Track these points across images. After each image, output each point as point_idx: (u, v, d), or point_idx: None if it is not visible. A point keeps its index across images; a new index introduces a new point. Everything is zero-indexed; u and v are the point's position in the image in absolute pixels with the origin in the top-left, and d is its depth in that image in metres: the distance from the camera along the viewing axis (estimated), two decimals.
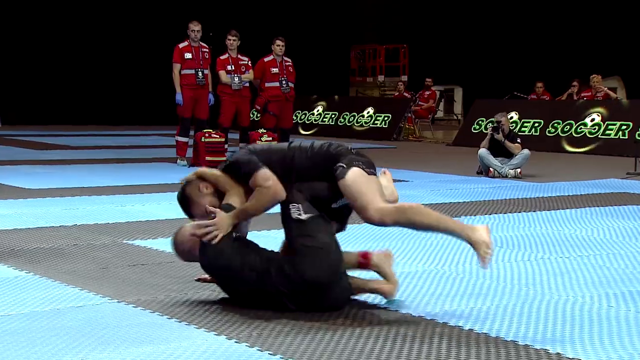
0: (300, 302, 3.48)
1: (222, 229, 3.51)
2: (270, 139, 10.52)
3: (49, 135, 15.59)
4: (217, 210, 3.55)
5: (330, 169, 3.57)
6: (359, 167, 3.55)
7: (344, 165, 3.55)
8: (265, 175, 3.53)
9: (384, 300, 3.71)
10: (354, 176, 3.51)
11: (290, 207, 3.53)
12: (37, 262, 4.49)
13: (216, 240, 3.50)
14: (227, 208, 3.58)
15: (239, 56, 10.74)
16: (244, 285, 3.55)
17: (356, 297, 3.71)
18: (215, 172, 3.69)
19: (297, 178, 3.60)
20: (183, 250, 3.68)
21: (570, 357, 3.02)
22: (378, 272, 3.73)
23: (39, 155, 11.40)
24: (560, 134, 14.09)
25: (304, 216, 3.49)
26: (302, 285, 3.43)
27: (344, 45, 23.03)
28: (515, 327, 3.38)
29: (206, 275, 3.99)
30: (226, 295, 3.77)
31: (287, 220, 3.55)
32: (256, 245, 3.64)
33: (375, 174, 3.63)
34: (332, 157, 3.61)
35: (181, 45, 10.37)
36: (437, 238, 5.44)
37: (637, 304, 3.80)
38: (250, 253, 3.53)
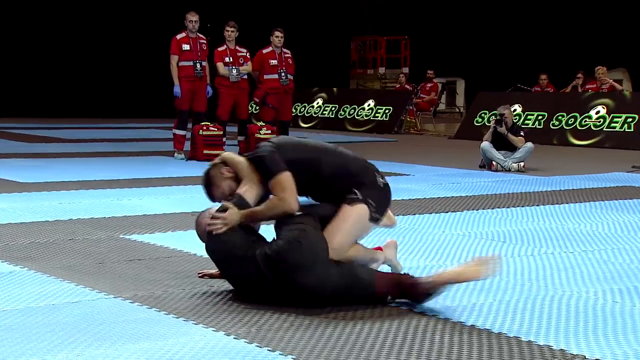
0: (279, 285, 3.50)
1: (229, 224, 3.58)
2: (269, 132, 10.51)
3: (44, 128, 15.57)
4: (231, 205, 3.61)
5: (346, 192, 3.67)
6: (369, 208, 3.66)
7: (359, 198, 3.66)
8: (284, 184, 3.59)
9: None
10: (355, 213, 3.64)
11: None
12: (32, 257, 4.49)
13: (219, 232, 3.58)
14: (239, 202, 3.62)
15: (237, 48, 10.72)
16: (242, 277, 3.59)
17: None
18: (239, 158, 3.77)
19: (317, 185, 3.69)
20: (202, 233, 3.80)
21: (575, 353, 3.03)
22: (390, 265, 3.96)
23: (34, 148, 11.40)
24: (565, 127, 14.09)
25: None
26: (278, 266, 3.47)
27: (344, 37, 23.00)
28: (519, 323, 3.38)
29: (208, 271, 4.01)
30: (224, 290, 3.78)
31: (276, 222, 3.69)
32: (256, 234, 3.70)
33: (378, 219, 3.72)
34: (354, 182, 3.69)
35: (179, 37, 10.36)
36: (438, 232, 5.45)
37: None
38: (249, 241, 3.58)
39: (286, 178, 3.59)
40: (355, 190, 3.67)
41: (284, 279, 3.49)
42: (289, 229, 3.55)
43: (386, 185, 3.80)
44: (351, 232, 3.65)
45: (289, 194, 3.58)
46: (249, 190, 3.67)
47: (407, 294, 3.58)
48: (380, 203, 3.72)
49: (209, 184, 3.80)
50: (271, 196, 3.64)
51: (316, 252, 3.51)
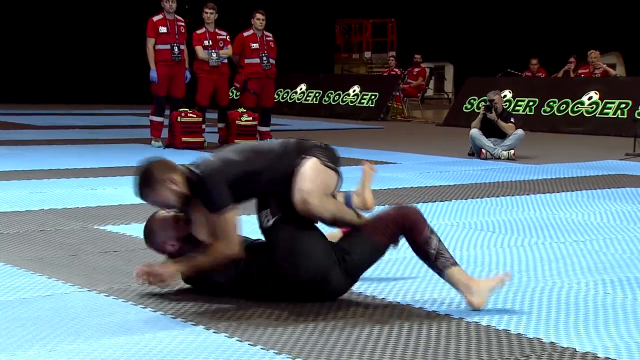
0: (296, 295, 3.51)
1: (168, 282, 3.50)
2: (251, 118, 10.50)
3: (15, 114, 15.47)
4: (165, 265, 3.48)
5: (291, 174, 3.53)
6: (318, 158, 3.55)
7: (305, 157, 3.55)
8: (227, 225, 3.40)
9: (369, 289, 3.73)
10: (304, 165, 3.52)
11: (262, 213, 3.52)
12: (2, 248, 4.47)
13: (163, 287, 3.55)
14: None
15: (217, 30, 10.68)
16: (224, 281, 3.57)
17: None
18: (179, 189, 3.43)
19: (261, 189, 3.54)
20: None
21: (565, 346, 3.05)
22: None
23: (4, 135, 11.32)
24: (556, 113, 14.15)
25: (271, 222, 3.47)
26: (294, 284, 3.47)
27: (328, 20, 22.95)
28: (508, 316, 3.40)
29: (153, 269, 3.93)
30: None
31: (263, 230, 3.55)
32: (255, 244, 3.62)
33: (334, 169, 3.59)
34: (300, 156, 3.57)
35: (155, 19, 10.29)
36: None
37: (635, 291, 3.83)
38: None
39: (230, 218, 3.41)
40: (302, 157, 3.55)
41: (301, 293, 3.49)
42: (282, 247, 3.44)
43: (326, 144, 3.68)
44: (312, 177, 3.46)
45: (231, 236, 3.42)
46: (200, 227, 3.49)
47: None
48: (329, 156, 3.59)
49: (148, 191, 3.44)
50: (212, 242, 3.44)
51: (321, 264, 3.44)
